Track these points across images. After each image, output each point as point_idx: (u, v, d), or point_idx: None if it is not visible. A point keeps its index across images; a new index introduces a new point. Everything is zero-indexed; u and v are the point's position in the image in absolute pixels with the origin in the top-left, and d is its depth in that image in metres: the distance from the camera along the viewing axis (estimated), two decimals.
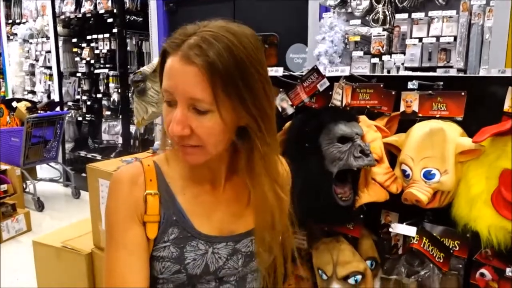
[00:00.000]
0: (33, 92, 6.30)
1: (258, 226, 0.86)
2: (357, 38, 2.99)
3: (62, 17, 5.30)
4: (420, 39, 2.74)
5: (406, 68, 2.79)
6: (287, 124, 1.47)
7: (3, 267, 3.16)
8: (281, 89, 1.57)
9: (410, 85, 1.38)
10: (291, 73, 1.63)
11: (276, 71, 1.58)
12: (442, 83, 1.38)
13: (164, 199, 0.85)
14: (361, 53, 3.00)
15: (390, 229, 1.42)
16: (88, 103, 5.27)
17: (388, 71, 2.87)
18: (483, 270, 1.26)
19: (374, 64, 2.96)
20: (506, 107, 1.26)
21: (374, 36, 2.91)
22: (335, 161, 1.30)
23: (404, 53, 2.82)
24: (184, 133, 0.74)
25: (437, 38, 2.68)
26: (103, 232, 2.18)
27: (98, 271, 2.29)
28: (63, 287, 2.38)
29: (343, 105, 1.51)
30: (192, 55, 0.70)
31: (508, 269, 1.19)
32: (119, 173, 0.85)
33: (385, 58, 2.88)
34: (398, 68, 2.83)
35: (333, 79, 1.50)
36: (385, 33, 2.89)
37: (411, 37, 2.80)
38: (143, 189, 0.83)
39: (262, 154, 0.80)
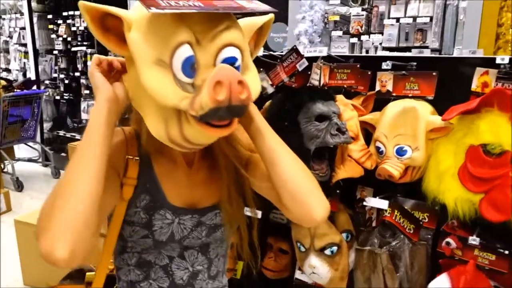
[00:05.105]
0: (7, 70, 6.12)
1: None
2: (337, 18, 3.02)
3: None
4: (398, 19, 2.80)
5: (384, 48, 2.84)
6: (267, 103, 1.51)
7: None
8: (261, 69, 1.60)
9: (384, 65, 1.43)
10: (271, 53, 1.66)
11: None
12: (415, 63, 1.43)
13: (142, 166, 0.89)
14: (340, 33, 3.03)
15: (365, 203, 1.49)
16: (66, 81, 5.16)
17: (367, 51, 2.92)
18: (448, 239, 1.34)
19: (353, 44, 3.01)
20: (473, 87, 1.33)
21: (353, 15, 2.94)
22: (313, 139, 1.34)
23: (382, 33, 2.87)
24: None
25: (414, 18, 2.74)
26: None
27: None
28: (46, 265, 2.40)
29: (321, 84, 1.55)
30: None
31: (470, 238, 1.28)
32: None
33: (363, 38, 2.93)
34: (376, 48, 2.89)
35: (312, 59, 1.54)
36: (364, 13, 2.93)
37: (389, 17, 2.85)
38: (124, 147, 0.88)
39: None
